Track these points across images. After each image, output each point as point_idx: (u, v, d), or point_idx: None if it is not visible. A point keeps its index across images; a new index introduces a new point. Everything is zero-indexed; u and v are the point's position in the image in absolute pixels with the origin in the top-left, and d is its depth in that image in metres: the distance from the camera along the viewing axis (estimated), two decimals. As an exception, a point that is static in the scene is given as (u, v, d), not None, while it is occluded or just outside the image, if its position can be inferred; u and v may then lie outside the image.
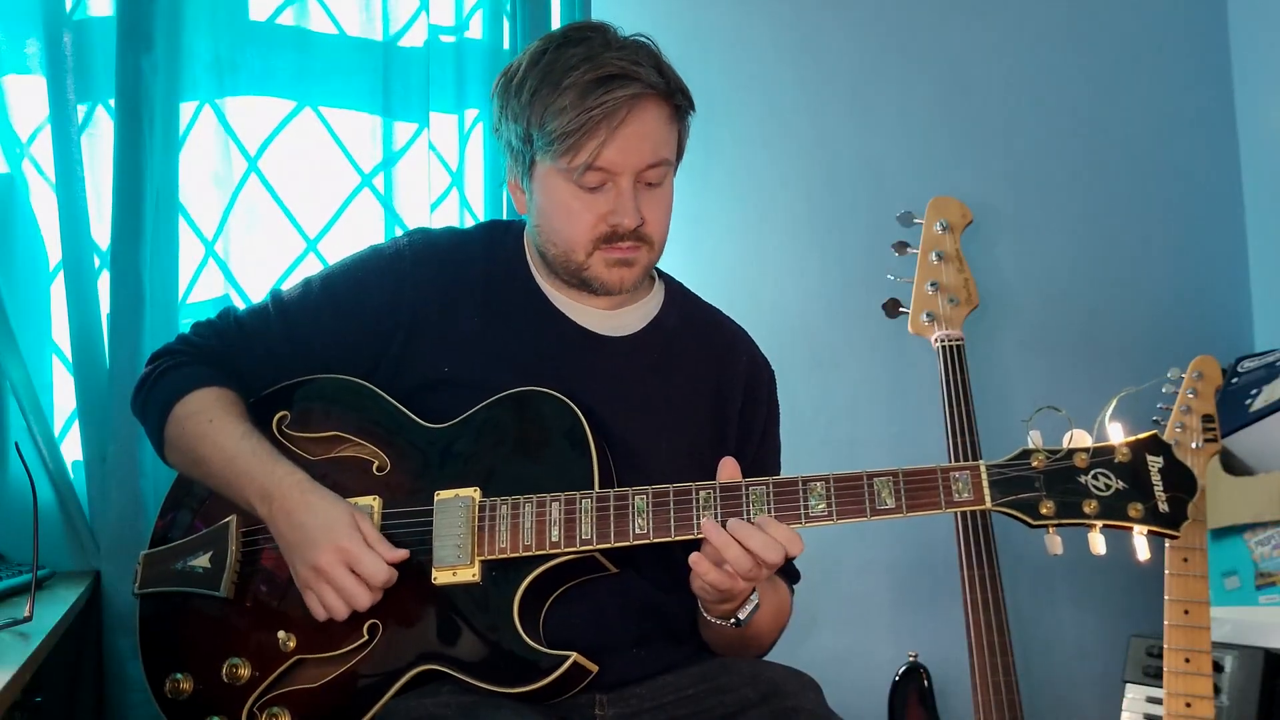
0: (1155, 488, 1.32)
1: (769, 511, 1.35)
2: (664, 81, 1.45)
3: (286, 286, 1.58)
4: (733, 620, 1.42)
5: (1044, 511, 1.32)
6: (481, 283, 1.54)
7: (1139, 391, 1.55)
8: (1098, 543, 1.33)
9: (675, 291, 1.65)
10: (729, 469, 1.40)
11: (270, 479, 1.42)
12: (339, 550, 1.36)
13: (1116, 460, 1.33)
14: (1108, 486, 1.32)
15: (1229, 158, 2.82)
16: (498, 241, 1.59)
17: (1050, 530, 1.34)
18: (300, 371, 1.54)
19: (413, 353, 1.51)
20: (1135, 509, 1.31)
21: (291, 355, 1.54)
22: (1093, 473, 1.33)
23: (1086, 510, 1.32)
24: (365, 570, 1.36)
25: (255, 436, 1.46)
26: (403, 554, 1.39)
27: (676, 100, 1.47)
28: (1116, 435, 1.35)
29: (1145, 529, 1.32)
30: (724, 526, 1.34)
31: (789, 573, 1.61)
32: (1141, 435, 1.35)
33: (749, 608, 1.41)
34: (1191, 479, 1.32)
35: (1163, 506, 1.31)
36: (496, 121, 1.52)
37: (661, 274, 1.67)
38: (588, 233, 1.47)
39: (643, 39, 1.49)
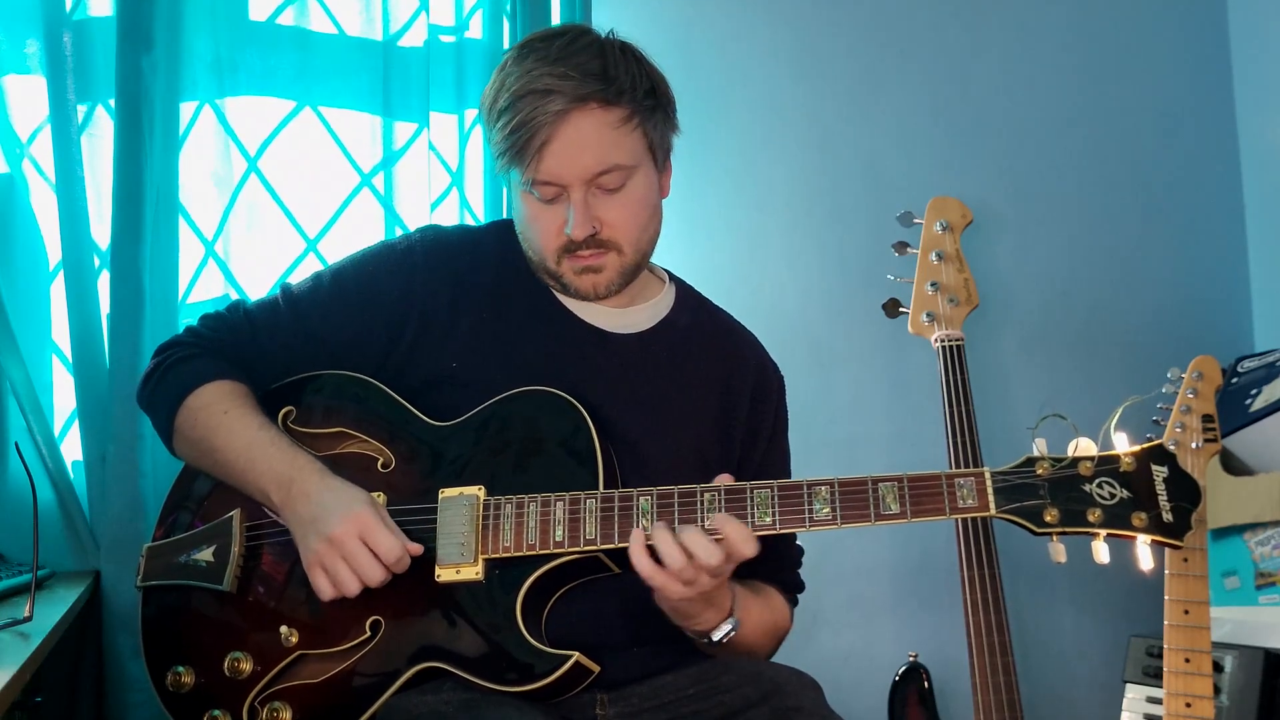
0: (1159, 497, 1.31)
1: (774, 516, 1.35)
2: (606, 87, 1.41)
3: (295, 280, 1.58)
4: (705, 639, 1.42)
5: (1048, 519, 1.32)
6: (491, 280, 1.55)
7: (1143, 398, 1.55)
8: (1101, 551, 1.33)
9: (687, 294, 1.66)
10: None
11: (292, 465, 1.42)
12: (356, 520, 1.36)
13: (1121, 469, 1.32)
14: (1112, 495, 1.32)
15: (1229, 158, 2.82)
16: (507, 240, 1.58)
17: (1054, 538, 1.34)
18: (308, 366, 1.54)
19: (420, 349, 1.51)
20: (1139, 518, 1.31)
21: (300, 349, 1.53)
22: (1097, 481, 1.33)
23: (1091, 519, 1.31)
24: (380, 544, 1.35)
25: (273, 428, 1.46)
26: (418, 548, 1.38)
27: (624, 102, 1.44)
28: (1121, 444, 1.35)
29: (1149, 538, 1.31)
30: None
31: (790, 585, 1.61)
32: (1147, 444, 1.34)
33: (725, 628, 1.41)
34: (1196, 489, 1.32)
35: (1166, 516, 1.31)
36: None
37: (673, 276, 1.67)
38: (552, 242, 1.49)
39: (607, 38, 1.47)
